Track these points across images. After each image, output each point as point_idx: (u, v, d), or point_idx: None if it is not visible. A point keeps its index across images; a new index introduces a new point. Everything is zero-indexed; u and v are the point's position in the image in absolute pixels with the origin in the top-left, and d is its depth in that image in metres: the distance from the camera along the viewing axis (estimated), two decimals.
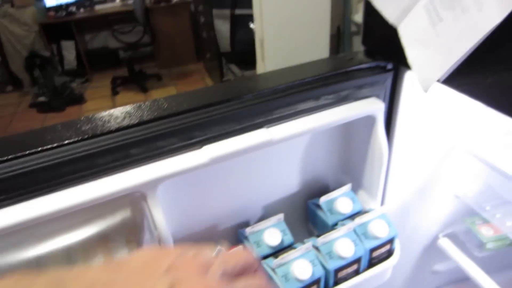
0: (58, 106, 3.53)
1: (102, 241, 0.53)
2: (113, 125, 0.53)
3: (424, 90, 0.55)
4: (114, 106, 3.42)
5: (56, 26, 3.90)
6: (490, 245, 0.91)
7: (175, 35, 4.04)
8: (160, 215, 0.55)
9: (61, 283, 0.31)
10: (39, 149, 0.50)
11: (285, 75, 0.66)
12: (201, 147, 0.57)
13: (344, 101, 0.67)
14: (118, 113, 0.56)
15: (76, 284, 0.31)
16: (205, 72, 3.97)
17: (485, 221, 0.94)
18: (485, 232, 0.92)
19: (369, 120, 0.69)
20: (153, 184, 0.53)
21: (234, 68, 2.77)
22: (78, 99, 3.65)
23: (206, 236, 0.70)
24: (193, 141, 0.56)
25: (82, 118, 0.56)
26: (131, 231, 0.54)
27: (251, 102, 0.59)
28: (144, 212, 0.54)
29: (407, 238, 0.96)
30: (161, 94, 3.64)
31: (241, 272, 0.35)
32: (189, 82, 3.83)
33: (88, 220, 0.52)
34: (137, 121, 0.54)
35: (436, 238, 1.01)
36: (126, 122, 0.54)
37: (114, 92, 3.73)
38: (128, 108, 0.58)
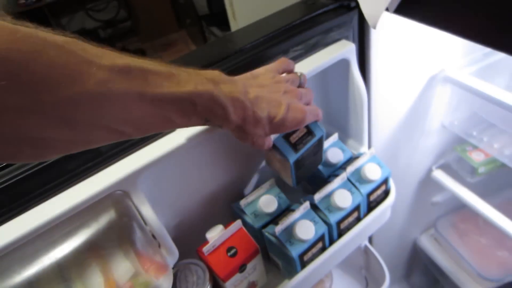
0: None
1: (93, 251, 0.49)
2: None
3: (372, 26, 0.52)
4: None
5: (30, 15, 3.57)
6: (481, 169, 0.92)
7: (153, 5, 3.78)
8: (148, 209, 0.51)
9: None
10: None
11: (250, 32, 0.62)
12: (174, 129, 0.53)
13: (313, 49, 0.63)
14: None
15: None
16: (189, 39, 3.78)
17: (475, 147, 0.94)
18: (476, 157, 0.93)
19: (343, 65, 0.66)
20: (132, 179, 0.49)
21: (215, 30, 2.65)
22: None
23: (201, 217, 0.68)
24: None
25: None
26: (121, 234, 0.51)
27: (227, 65, 0.55)
28: (130, 210, 0.51)
29: (402, 175, 0.97)
30: None
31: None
32: (174, 52, 3.63)
33: (71, 232, 0.48)
34: None
35: (429, 170, 1.01)
36: None
37: None
38: None
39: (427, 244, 1.17)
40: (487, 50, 0.83)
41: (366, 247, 0.89)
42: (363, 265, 0.93)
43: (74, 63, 0.28)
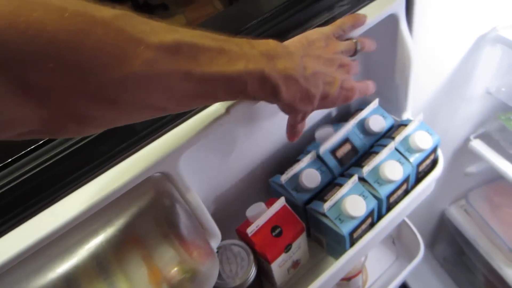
0: None
1: (132, 239, 0.45)
2: None
3: None
4: None
5: None
6: None
7: None
8: (190, 191, 0.46)
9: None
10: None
11: None
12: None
13: (360, 3, 0.56)
14: None
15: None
16: None
17: None
18: None
19: (389, 21, 0.59)
20: (173, 159, 0.44)
21: None
22: None
23: (237, 194, 0.63)
24: None
25: None
26: (161, 219, 0.46)
27: (260, 30, 0.48)
28: (171, 193, 0.46)
29: None
30: (170, 23, 3.32)
31: None
32: (197, 7, 3.46)
33: (108, 221, 0.43)
34: None
35: (467, 139, 0.94)
36: None
37: None
38: None
39: (456, 215, 1.13)
40: None
41: None
42: (395, 234, 0.90)
43: (122, 41, 0.27)
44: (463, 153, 0.96)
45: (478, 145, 0.91)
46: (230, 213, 0.61)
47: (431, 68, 0.74)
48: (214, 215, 0.61)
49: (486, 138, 0.92)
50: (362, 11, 0.56)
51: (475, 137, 0.93)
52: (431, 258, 1.28)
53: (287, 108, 0.42)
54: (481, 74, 0.80)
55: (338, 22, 0.48)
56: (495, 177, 1.06)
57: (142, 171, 0.42)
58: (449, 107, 0.84)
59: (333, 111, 0.71)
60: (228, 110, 0.45)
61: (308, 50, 0.42)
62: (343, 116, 0.69)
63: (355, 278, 0.82)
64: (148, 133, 0.44)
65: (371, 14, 0.55)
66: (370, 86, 0.50)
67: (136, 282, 0.45)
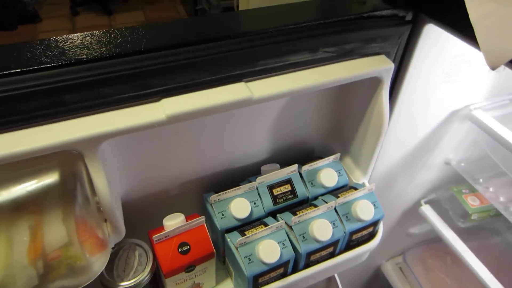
0: (8, 24, 3.04)
1: (28, 205, 0.43)
2: (43, 60, 0.40)
3: (491, 67, 0.39)
4: (73, 27, 3.05)
5: None
6: (474, 216, 0.87)
7: None
8: (102, 179, 0.44)
9: None
10: None
11: (276, 15, 0.53)
12: (159, 99, 0.45)
13: (347, 56, 0.54)
14: (54, 44, 0.43)
15: None
16: None
17: (472, 191, 0.90)
18: (472, 202, 0.88)
19: (373, 82, 0.57)
20: (94, 141, 0.42)
21: None
22: (32, 17, 3.12)
23: (167, 197, 0.61)
24: (149, 91, 0.44)
25: None
26: (65, 196, 0.44)
27: (230, 47, 0.46)
28: (80, 175, 0.44)
29: (388, 204, 0.91)
30: (126, 18, 3.21)
31: None
32: (159, 8, 3.41)
33: (11, 180, 0.41)
34: (74, 59, 0.41)
35: (417, 203, 0.96)
36: (61, 59, 0.41)
37: (74, 12, 3.24)
38: (69, 38, 0.44)
39: (391, 272, 1.15)
40: None
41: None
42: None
43: None
44: (411, 215, 0.98)
45: (427, 211, 0.93)
46: (155, 214, 0.59)
47: (402, 135, 0.73)
48: (138, 211, 0.60)
49: (435, 204, 0.94)
50: (347, 63, 0.54)
51: (426, 202, 0.94)
52: None
53: None
54: (445, 145, 0.82)
55: None
56: (433, 239, 1.09)
57: (59, 142, 0.40)
58: (408, 172, 0.85)
59: (292, 152, 0.69)
60: (168, 116, 0.43)
61: None
62: (302, 160, 0.67)
63: None
64: (79, 107, 0.42)
65: (356, 69, 0.53)
66: None
67: (15, 250, 0.43)
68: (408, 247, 1.13)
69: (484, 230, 1.01)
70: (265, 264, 0.52)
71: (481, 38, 0.39)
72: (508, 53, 0.38)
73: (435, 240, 1.09)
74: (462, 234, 0.89)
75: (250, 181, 0.60)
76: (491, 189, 0.84)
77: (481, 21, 0.40)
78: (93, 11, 3.30)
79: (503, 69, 0.68)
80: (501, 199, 0.83)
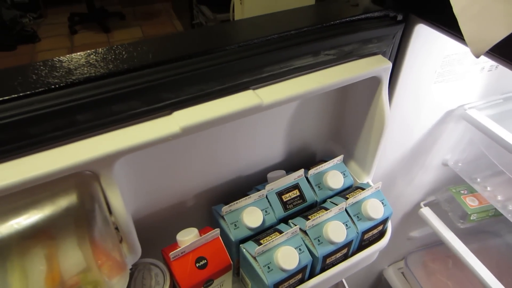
0: (7, 44, 3.00)
1: (42, 233, 0.41)
2: (50, 81, 0.39)
3: (475, 55, 0.41)
4: (72, 46, 3.03)
5: None
6: (474, 217, 0.88)
7: None
8: (118, 199, 0.43)
9: None
10: None
11: (276, 22, 0.53)
12: (171, 112, 0.44)
13: (346, 58, 0.55)
14: (58, 64, 0.42)
15: None
16: (173, 13, 3.58)
17: (470, 191, 0.90)
18: (470, 203, 0.89)
19: (371, 82, 0.58)
20: (109, 160, 0.41)
21: (205, 9, 2.47)
22: (31, 37, 3.10)
23: (176, 213, 0.60)
24: (160, 104, 0.44)
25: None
26: (80, 220, 0.42)
27: (236, 56, 0.46)
28: (96, 196, 0.42)
29: None
30: (124, 35, 3.20)
31: None
32: (156, 24, 3.42)
33: (19, 208, 0.40)
34: (83, 78, 0.40)
35: (416, 206, 0.96)
36: (69, 79, 0.40)
37: (72, 31, 3.22)
38: (73, 57, 0.43)
39: (393, 276, 1.15)
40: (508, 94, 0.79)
41: None
42: None
43: None
44: (411, 217, 0.98)
45: (427, 213, 0.93)
46: (164, 231, 0.58)
47: (400, 135, 0.75)
48: (145, 229, 0.58)
49: (435, 206, 0.94)
50: (347, 65, 0.55)
51: (425, 205, 0.95)
52: None
53: None
54: (441, 146, 0.83)
55: None
56: (434, 243, 1.10)
57: (72, 164, 0.39)
58: (407, 174, 0.86)
59: (295, 157, 0.70)
60: (182, 129, 0.42)
61: None
62: (305, 164, 0.67)
63: None
64: (90, 127, 0.41)
65: (356, 70, 0.54)
66: None
67: (30, 280, 0.41)
68: (409, 251, 1.13)
69: (484, 232, 1.03)
70: (284, 271, 0.52)
71: (465, 28, 0.41)
72: (490, 40, 0.40)
73: (436, 244, 1.11)
74: (463, 236, 0.89)
75: (258, 190, 0.60)
76: (489, 188, 0.85)
77: (464, 12, 0.42)
78: (91, 29, 3.28)
79: (495, 68, 0.71)
80: (499, 197, 0.84)
